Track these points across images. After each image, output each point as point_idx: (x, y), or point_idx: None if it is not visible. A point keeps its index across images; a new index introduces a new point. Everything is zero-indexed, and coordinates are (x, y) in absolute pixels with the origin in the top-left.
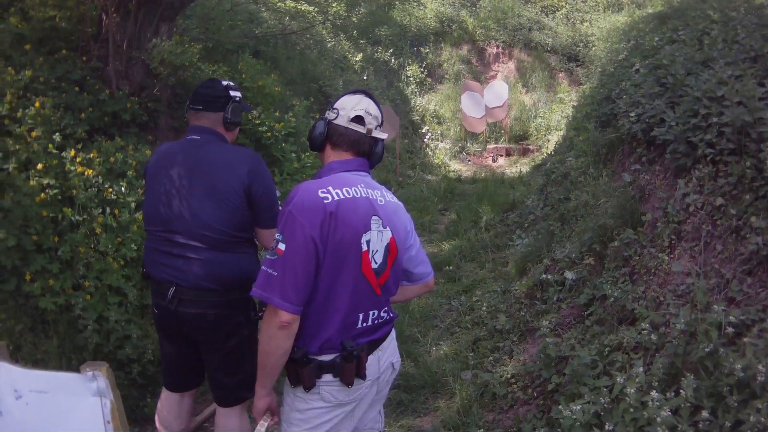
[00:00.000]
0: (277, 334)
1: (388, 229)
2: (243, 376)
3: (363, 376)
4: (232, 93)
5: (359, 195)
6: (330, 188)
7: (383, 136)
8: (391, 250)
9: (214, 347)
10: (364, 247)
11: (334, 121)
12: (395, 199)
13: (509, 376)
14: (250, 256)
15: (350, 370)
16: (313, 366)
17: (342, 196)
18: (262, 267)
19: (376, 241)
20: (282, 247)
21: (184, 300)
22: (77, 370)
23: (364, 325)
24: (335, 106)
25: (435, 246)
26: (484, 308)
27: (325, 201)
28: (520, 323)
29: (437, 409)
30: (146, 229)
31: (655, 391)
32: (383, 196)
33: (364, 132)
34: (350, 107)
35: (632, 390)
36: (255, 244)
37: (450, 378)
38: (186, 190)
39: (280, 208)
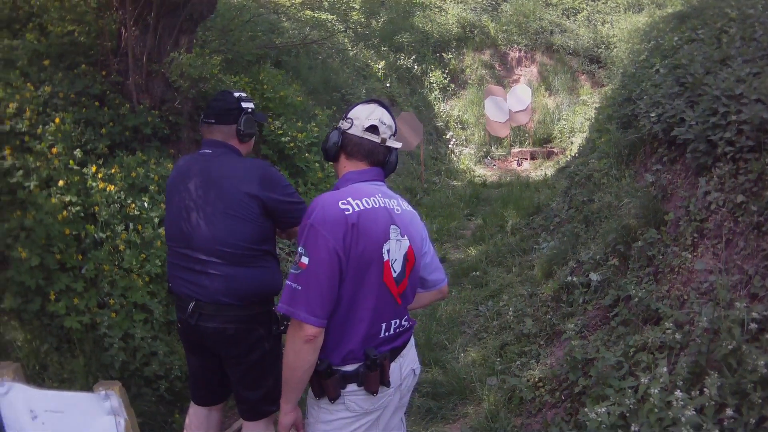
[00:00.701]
0: (303, 349)
1: (405, 237)
2: (266, 390)
3: (387, 384)
4: (244, 105)
5: (378, 205)
6: (350, 199)
7: (397, 145)
8: (409, 258)
9: (235, 361)
10: (386, 257)
11: (349, 131)
12: (410, 208)
13: (536, 379)
14: (270, 270)
15: (374, 378)
16: (338, 377)
17: (362, 207)
18: (287, 282)
19: (395, 250)
20: (305, 260)
21: (204, 315)
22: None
23: (387, 334)
24: (349, 116)
25: (462, 252)
26: (510, 313)
27: (346, 213)
28: (547, 326)
29: (466, 416)
30: (167, 243)
31: (679, 390)
32: (399, 205)
33: (379, 141)
34: (364, 117)
35: (656, 390)
36: (276, 256)
37: (478, 384)
38: (200, 206)
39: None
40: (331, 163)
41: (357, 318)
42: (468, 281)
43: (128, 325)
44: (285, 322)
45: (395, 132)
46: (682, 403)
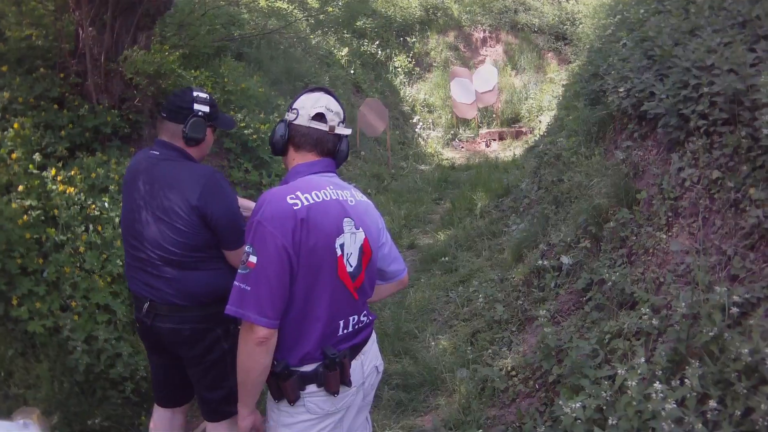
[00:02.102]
0: (255, 351)
1: (360, 230)
2: (228, 390)
3: (348, 383)
4: (197, 106)
5: (329, 198)
6: (298, 193)
7: (347, 132)
8: (365, 251)
9: (194, 361)
10: (339, 252)
11: (295, 122)
12: (365, 198)
13: (509, 368)
14: (222, 271)
15: (334, 378)
16: (296, 378)
17: (312, 201)
18: (235, 282)
19: (349, 243)
20: (253, 259)
21: (159, 315)
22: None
23: (345, 331)
24: (294, 106)
25: (431, 237)
26: (481, 299)
27: (295, 207)
28: (518, 312)
29: (438, 408)
30: (124, 245)
31: (658, 381)
32: (353, 195)
33: (327, 130)
34: (309, 105)
35: (634, 382)
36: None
37: (449, 375)
38: (146, 210)
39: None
40: (280, 157)
41: (313, 316)
42: (437, 267)
43: (91, 327)
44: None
45: (344, 119)
46: (662, 395)
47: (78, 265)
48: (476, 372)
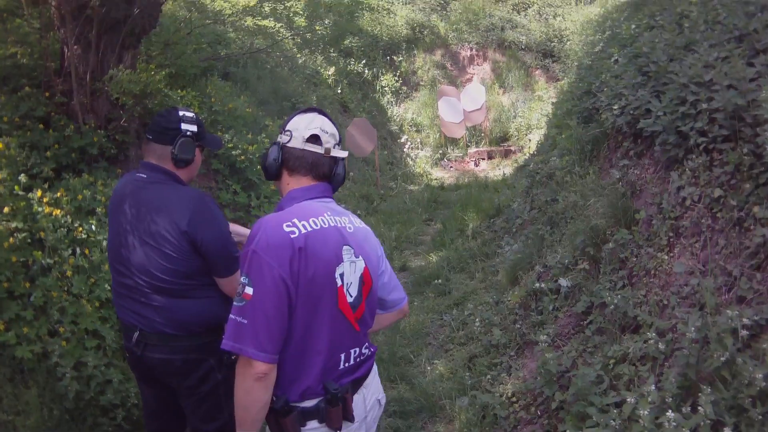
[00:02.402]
0: (254, 387)
1: (360, 258)
2: (222, 422)
3: (351, 419)
4: (184, 126)
5: (327, 225)
6: (295, 220)
7: (343, 154)
8: (365, 280)
9: (187, 392)
10: (339, 282)
11: (288, 144)
12: (363, 224)
13: (510, 394)
14: (214, 299)
15: (336, 413)
16: (296, 414)
17: (309, 228)
18: (230, 316)
19: (349, 273)
20: (249, 291)
21: (149, 345)
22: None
23: (346, 365)
24: (287, 128)
25: (422, 258)
26: (477, 323)
27: (292, 236)
28: (516, 336)
29: None
30: (111, 272)
31: (670, 410)
32: (351, 222)
33: (322, 152)
34: (303, 127)
35: (646, 411)
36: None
37: (447, 402)
38: (133, 235)
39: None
40: (273, 182)
41: (313, 350)
42: (430, 289)
43: (80, 353)
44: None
45: (339, 141)
46: (674, 423)
47: (66, 289)
48: (475, 398)
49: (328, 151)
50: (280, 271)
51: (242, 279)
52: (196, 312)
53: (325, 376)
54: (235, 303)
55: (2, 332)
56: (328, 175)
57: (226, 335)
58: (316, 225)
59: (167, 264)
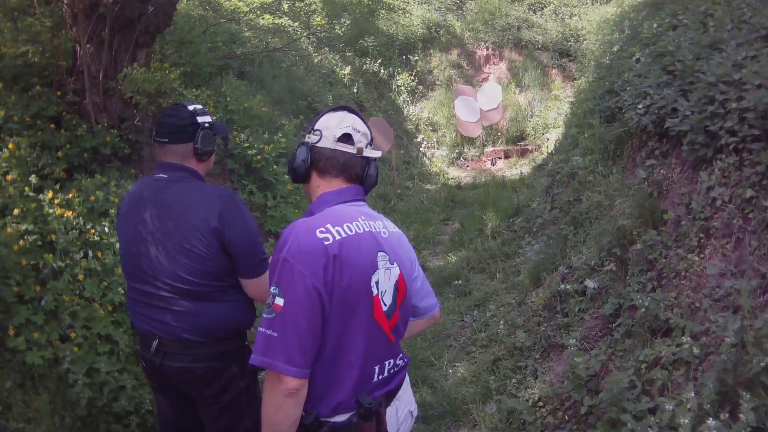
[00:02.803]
0: (284, 404)
1: (395, 264)
2: (244, 431)
3: None
4: (200, 119)
5: (362, 230)
6: (329, 226)
7: (376, 154)
8: (399, 287)
9: (208, 402)
10: (375, 291)
11: (318, 144)
12: (397, 229)
13: (536, 399)
14: (238, 303)
15: (370, 428)
16: (327, 429)
17: (344, 234)
18: (260, 329)
19: (384, 280)
20: (280, 302)
21: (169, 353)
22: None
23: (380, 377)
24: (316, 127)
25: (441, 258)
26: (501, 325)
27: (326, 242)
28: (541, 339)
29: None
30: (126, 281)
31: (710, 418)
32: (385, 227)
33: (354, 152)
34: (335, 125)
35: (686, 420)
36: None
37: (471, 406)
38: (158, 238)
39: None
40: (301, 185)
41: (346, 363)
42: (450, 290)
43: (92, 358)
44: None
45: (371, 140)
46: (715, 431)
47: (77, 292)
48: (501, 403)
49: (360, 150)
50: (313, 280)
51: (272, 289)
52: (222, 316)
53: (358, 390)
54: (264, 315)
55: (12, 337)
56: (360, 177)
57: (255, 349)
58: (351, 231)
59: (195, 265)
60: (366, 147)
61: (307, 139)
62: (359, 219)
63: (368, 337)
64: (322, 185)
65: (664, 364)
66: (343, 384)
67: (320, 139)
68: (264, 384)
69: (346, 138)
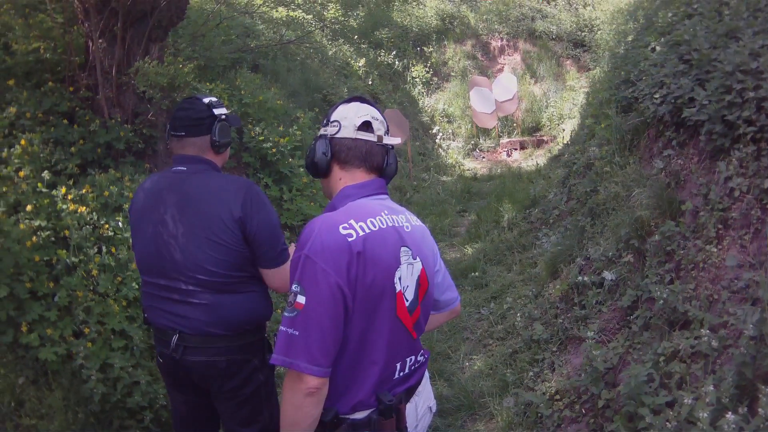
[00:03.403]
0: (305, 403)
1: (418, 259)
2: (263, 424)
3: (404, 430)
4: (216, 111)
5: (385, 225)
6: (352, 221)
7: (395, 141)
8: (421, 282)
9: (228, 396)
10: (398, 287)
11: (338, 136)
12: (420, 222)
13: (553, 392)
14: (258, 294)
15: (390, 426)
16: (345, 427)
17: (367, 230)
18: (281, 327)
19: (406, 276)
20: (301, 300)
21: (189, 348)
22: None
23: (401, 374)
24: (333, 118)
25: (457, 251)
26: (518, 317)
27: (349, 239)
28: (559, 331)
29: None
30: (141, 278)
31: (730, 412)
32: (408, 220)
33: (375, 140)
34: (353, 114)
35: (705, 414)
36: (260, 279)
37: (488, 399)
38: (177, 230)
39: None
40: (301, 171)
41: (368, 360)
42: (467, 282)
43: (106, 354)
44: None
45: (388, 128)
46: (734, 426)
47: (91, 288)
48: (518, 396)
49: (380, 138)
50: (336, 278)
51: (293, 287)
52: (244, 307)
53: (379, 387)
54: (285, 314)
55: (25, 334)
56: (381, 166)
57: (277, 348)
58: (374, 226)
59: (219, 256)
60: (385, 135)
61: (324, 132)
62: (382, 213)
63: (391, 334)
64: (344, 178)
65: (682, 357)
66: (365, 382)
67: (339, 129)
68: (284, 382)
69: (366, 126)
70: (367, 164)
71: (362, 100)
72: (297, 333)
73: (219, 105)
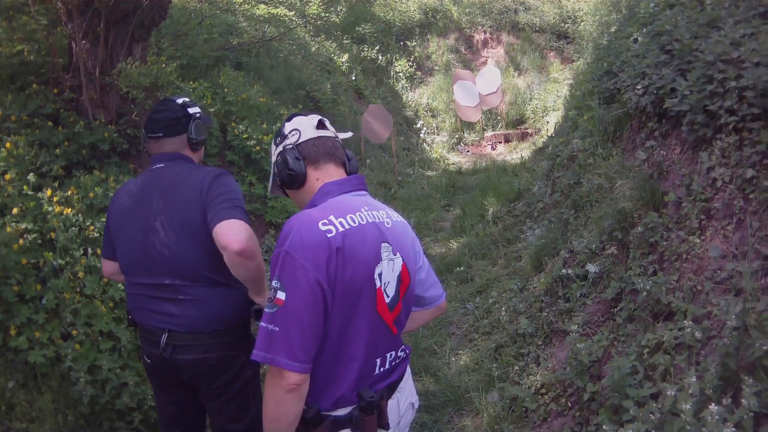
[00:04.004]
0: (285, 399)
1: (398, 255)
2: (250, 420)
3: (386, 426)
4: (191, 110)
5: (365, 221)
6: (332, 217)
7: (347, 136)
8: (403, 279)
9: (216, 392)
10: (378, 283)
11: (301, 140)
12: (401, 218)
13: (539, 386)
14: (240, 287)
15: (371, 422)
16: (328, 424)
17: (347, 226)
18: (261, 324)
19: (387, 272)
20: (281, 296)
21: (179, 346)
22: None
23: (382, 369)
24: (289, 129)
25: (442, 245)
26: (503, 311)
27: (329, 235)
28: (544, 325)
29: (464, 429)
30: (126, 279)
31: (713, 403)
32: (389, 216)
33: (334, 135)
34: (306, 120)
35: (688, 405)
36: None
37: (474, 394)
38: (160, 225)
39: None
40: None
41: (348, 356)
42: (452, 277)
43: (94, 356)
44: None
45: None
46: (717, 417)
47: (78, 290)
48: (504, 391)
49: (336, 134)
50: (315, 274)
51: (273, 283)
52: (232, 299)
53: (359, 383)
54: (266, 310)
55: (14, 337)
56: (344, 161)
57: (258, 344)
58: (354, 222)
59: (198, 244)
60: (336, 132)
61: (286, 144)
62: (362, 210)
63: (371, 330)
64: (320, 177)
65: (666, 349)
66: (345, 378)
67: (300, 134)
68: (266, 379)
69: (322, 124)
70: (335, 159)
71: (302, 115)
72: (277, 329)
73: (192, 104)
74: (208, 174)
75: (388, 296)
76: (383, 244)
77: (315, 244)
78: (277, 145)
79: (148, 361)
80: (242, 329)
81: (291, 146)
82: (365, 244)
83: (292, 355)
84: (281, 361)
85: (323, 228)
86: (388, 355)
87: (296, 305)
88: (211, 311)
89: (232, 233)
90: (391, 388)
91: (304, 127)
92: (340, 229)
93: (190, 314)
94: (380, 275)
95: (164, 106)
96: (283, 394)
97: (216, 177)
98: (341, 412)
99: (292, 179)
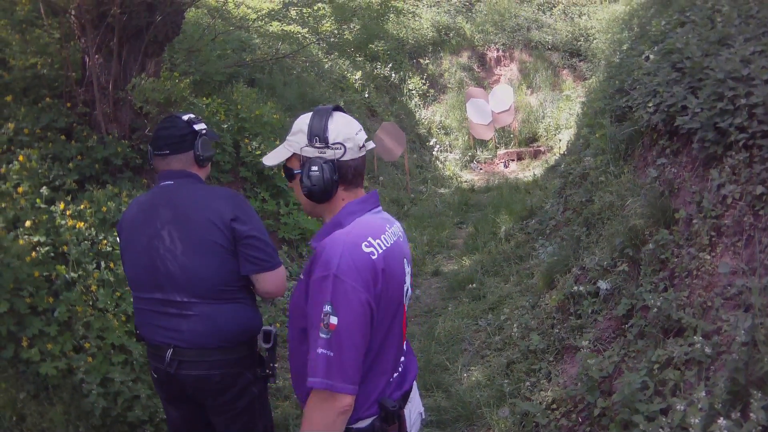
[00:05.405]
0: (337, 421)
1: (410, 265)
2: None
3: None
4: (197, 127)
5: (391, 241)
6: (370, 239)
7: (372, 146)
8: (410, 286)
9: (222, 409)
10: (405, 300)
11: (344, 158)
12: (398, 222)
13: (550, 401)
14: (249, 303)
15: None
16: None
17: (384, 247)
18: (318, 350)
19: (408, 285)
20: (334, 320)
21: (184, 362)
22: None
23: (395, 375)
24: (334, 140)
25: (455, 262)
26: (515, 328)
27: (372, 257)
28: (555, 341)
29: None
30: (133, 294)
31: (721, 417)
32: (400, 229)
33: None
34: (353, 133)
35: (696, 420)
36: (250, 290)
37: (486, 410)
38: (171, 242)
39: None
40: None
41: (379, 370)
42: (464, 294)
43: (107, 368)
44: (272, 364)
45: None
46: (726, 431)
47: (90, 303)
48: (515, 406)
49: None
50: (366, 295)
51: (326, 308)
52: (238, 316)
53: (381, 395)
54: (321, 336)
55: (26, 349)
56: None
57: (316, 372)
58: (387, 243)
59: (212, 262)
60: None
61: (328, 155)
62: (386, 229)
63: (398, 345)
64: (347, 198)
65: (676, 364)
66: (373, 391)
67: (345, 152)
68: (311, 403)
69: (364, 143)
70: (363, 178)
71: (337, 108)
72: (332, 354)
73: (198, 121)
74: (227, 201)
75: (406, 308)
76: (404, 260)
77: (362, 266)
78: (311, 143)
79: (155, 375)
80: (248, 347)
81: (332, 161)
82: (398, 263)
83: (347, 378)
84: (338, 386)
85: (366, 250)
86: (401, 361)
87: (350, 327)
88: (218, 328)
89: (280, 283)
90: (406, 397)
91: (351, 144)
92: (380, 250)
93: (196, 330)
94: (407, 291)
95: (170, 123)
96: (335, 417)
97: (236, 206)
98: (362, 424)
99: (320, 194)
